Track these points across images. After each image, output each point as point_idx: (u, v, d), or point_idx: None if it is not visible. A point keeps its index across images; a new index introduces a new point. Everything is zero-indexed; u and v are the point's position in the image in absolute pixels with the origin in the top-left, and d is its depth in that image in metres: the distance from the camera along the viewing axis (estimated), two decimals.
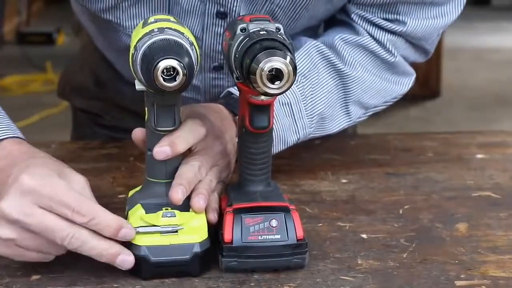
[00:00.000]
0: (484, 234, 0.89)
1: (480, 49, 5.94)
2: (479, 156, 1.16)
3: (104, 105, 1.26)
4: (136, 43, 0.75)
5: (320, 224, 0.92)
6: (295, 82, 0.93)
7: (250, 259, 0.78)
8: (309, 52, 1.03)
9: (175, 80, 0.72)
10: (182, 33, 0.75)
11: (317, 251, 0.84)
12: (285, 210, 0.80)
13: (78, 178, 0.79)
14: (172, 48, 0.73)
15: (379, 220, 0.93)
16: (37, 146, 1.14)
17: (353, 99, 1.05)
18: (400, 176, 1.08)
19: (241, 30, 0.76)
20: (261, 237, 0.78)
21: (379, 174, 1.08)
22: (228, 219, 0.79)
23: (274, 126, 0.93)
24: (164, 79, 0.72)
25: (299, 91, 0.99)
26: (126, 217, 0.81)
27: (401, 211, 0.96)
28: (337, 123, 1.05)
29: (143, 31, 0.76)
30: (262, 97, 0.78)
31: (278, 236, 0.78)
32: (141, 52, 0.74)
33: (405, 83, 1.09)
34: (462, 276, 0.79)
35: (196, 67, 0.75)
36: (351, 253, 0.84)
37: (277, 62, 0.72)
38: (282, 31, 0.76)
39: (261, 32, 0.75)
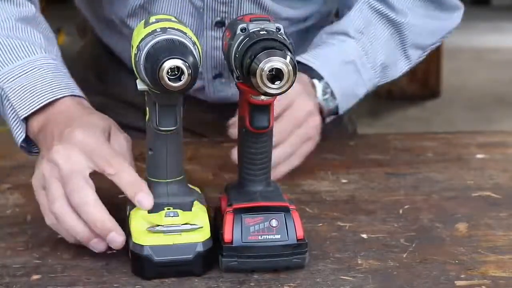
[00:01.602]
0: (484, 234, 0.89)
1: (480, 49, 5.95)
2: (479, 156, 1.16)
3: (106, 100, 1.27)
4: (139, 43, 0.75)
5: (320, 224, 0.92)
6: (355, 40, 1.08)
7: (250, 259, 0.78)
8: (361, 9, 1.11)
9: (180, 80, 0.72)
10: (185, 33, 0.75)
11: (317, 251, 0.84)
12: (285, 210, 0.80)
13: (121, 139, 0.88)
14: (177, 48, 0.73)
15: (379, 220, 0.93)
16: None
17: (409, 43, 1.12)
18: (400, 176, 1.08)
19: (241, 30, 0.76)
20: (261, 237, 0.78)
21: (379, 174, 1.08)
22: (228, 219, 0.79)
23: (343, 84, 1.05)
24: (169, 79, 0.72)
25: (359, 47, 1.07)
26: (127, 217, 0.81)
27: (401, 211, 0.96)
28: (399, 69, 1.14)
29: (145, 31, 0.76)
30: (262, 97, 0.78)
31: (278, 236, 0.78)
32: (144, 52, 0.74)
33: (455, 17, 1.17)
34: (462, 276, 0.79)
35: (199, 67, 0.75)
36: (351, 253, 0.84)
37: (277, 62, 0.72)
38: (282, 31, 0.76)
39: (261, 32, 0.75)
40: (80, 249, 0.85)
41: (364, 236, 0.89)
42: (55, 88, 0.91)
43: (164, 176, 0.81)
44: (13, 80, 0.91)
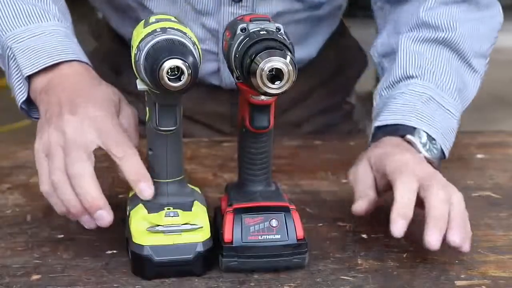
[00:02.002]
0: (484, 234, 0.89)
1: None
2: (479, 156, 1.16)
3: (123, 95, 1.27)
4: (139, 43, 0.75)
5: (320, 224, 0.92)
6: (419, 78, 0.99)
7: (250, 259, 0.78)
8: (405, 47, 1.03)
9: (180, 80, 0.72)
10: (185, 33, 0.75)
11: (317, 251, 0.84)
12: (285, 210, 0.80)
13: (129, 113, 0.89)
14: (177, 48, 0.73)
15: (379, 220, 0.93)
16: None
17: (469, 55, 1.05)
18: None
19: (241, 30, 0.76)
20: (261, 237, 0.78)
21: None
22: (228, 219, 0.79)
23: (435, 124, 0.95)
24: (169, 79, 0.72)
25: (427, 82, 1.00)
26: (127, 217, 0.81)
27: None
28: (472, 86, 1.06)
29: (145, 31, 0.76)
30: (262, 97, 0.78)
31: (278, 236, 0.78)
32: (144, 52, 0.74)
33: (496, 14, 1.10)
34: (462, 276, 0.79)
35: (199, 67, 0.75)
36: (351, 253, 0.84)
37: (277, 62, 0.72)
38: (282, 31, 0.76)
39: (261, 32, 0.75)
40: (80, 249, 0.85)
41: (364, 236, 0.89)
42: (63, 52, 0.91)
43: (164, 176, 0.81)
44: (23, 41, 0.92)
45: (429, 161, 0.93)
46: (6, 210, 0.97)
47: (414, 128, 0.94)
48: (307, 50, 1.23)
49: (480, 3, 1.07)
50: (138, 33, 0.77)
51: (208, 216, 0.80)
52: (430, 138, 0.94)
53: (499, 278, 0.79)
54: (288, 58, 0.72)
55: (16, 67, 0.92)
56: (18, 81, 0.92)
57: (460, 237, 0.80)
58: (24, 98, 0.92)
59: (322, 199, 1.00)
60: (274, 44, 0.73)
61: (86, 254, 0.84)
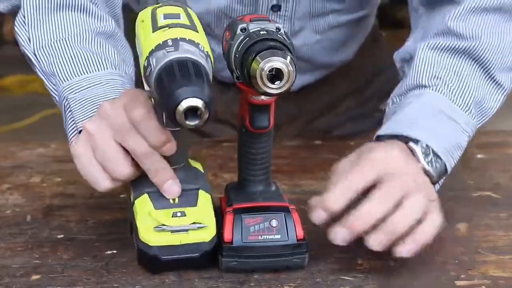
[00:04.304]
0: (484, 234, 0.89)
1: None
2: (479, 156, 1.16)
3: None
4: (149, 55, 0.72)
5: None
6: (431, 88, 0.93)
7: (250, 259, 0.78)
8: (424, 55, 0.97)
9: (199, 118, 0.68)
10: (197, 44, 0.72)
11: (317, 251, 0.84)
12: (285, 210, 0.80)
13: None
14: (192, 79, 0.68)
15: None
16: (37, 146, 1.14)
17: (494, 68, 0.97)
18: None
19: (241, 30, 0.76)
20: (261, 237, 0.78)
21: None
22: (228, 219, 0.79)
23: (441, 139, 0.89)
24: (186, 117, 0.68)
25: (440, 93, 0.93)
26: (131, 204, 0.80)
27: None
28: (494, 101, 0.98)
29: (155, 39, 0.72)
30: (262, 97, 0.78)
31: (278, 236, 0.78)
32: (155, 72, 0.70)
33: None
34: (462, 276, 0.79)
35: (210, 80, 0.71)
36: (351, 253, 0.84)
37: (277, 62, 0.72)
38: (282, 31, 0.76)
39: (261, 32, 0.75)
40: (80, 249, 0.85)
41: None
42: None
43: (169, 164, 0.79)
44: (79, 91, 0.90)
45: (427, 173, 0.87)
46: (6, 210, 0.97)
47: (419, 140, 0.88)
48: (344, 55, 1.23)
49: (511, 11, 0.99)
50: (146, 37, 0.74)
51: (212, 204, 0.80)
52: (433, 152, 0.88)
53: (499, 278, 0.79)
54: (288, 58, 0.72)
55: (71, 118, 0.89)
56: (73, 132, 0.89)
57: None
58: None
59: None
60: (274, 44, 0.73)
61: (86, 254, 0.84)
